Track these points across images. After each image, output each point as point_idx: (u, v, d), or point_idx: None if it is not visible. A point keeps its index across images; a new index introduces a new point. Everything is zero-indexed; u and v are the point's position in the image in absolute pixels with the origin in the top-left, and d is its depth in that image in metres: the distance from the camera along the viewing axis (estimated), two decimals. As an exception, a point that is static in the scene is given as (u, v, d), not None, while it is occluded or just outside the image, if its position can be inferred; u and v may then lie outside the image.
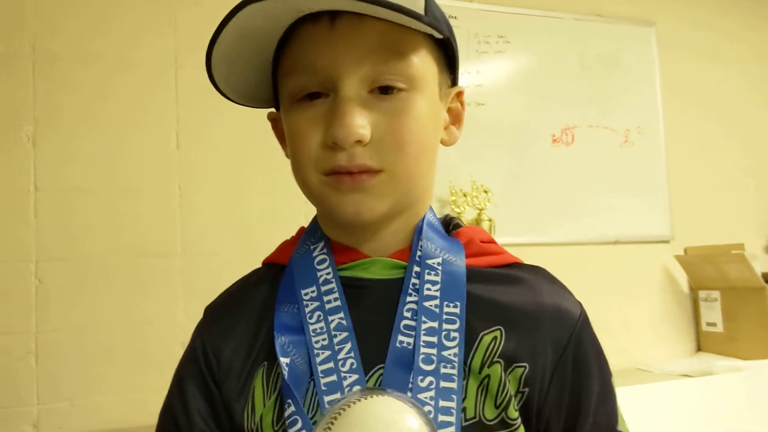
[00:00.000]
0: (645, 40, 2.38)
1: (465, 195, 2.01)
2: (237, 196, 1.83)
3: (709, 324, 2.29)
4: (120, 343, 1.68)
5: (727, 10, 2.55)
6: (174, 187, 1.78)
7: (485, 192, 2.02)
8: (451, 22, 2.31)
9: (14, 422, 1.58)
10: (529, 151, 2.19)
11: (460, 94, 0.66)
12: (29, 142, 1.67)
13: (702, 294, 2.31)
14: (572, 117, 2.25)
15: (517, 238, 2.10)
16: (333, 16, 0.56)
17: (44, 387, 1.61)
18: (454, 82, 0.66)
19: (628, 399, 1.82)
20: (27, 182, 1.65)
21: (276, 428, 0.57)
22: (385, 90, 0.57)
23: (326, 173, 0.58)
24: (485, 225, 2.01)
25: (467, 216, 2.02)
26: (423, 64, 0.59)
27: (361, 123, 0.55)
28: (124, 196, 1.73)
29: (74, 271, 1.67)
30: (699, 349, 2.33)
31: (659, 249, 2.33)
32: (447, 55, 0.63)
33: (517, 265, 0.66)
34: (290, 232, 0.72)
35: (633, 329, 2.24)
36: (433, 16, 0.57)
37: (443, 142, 0.65)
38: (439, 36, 0.57)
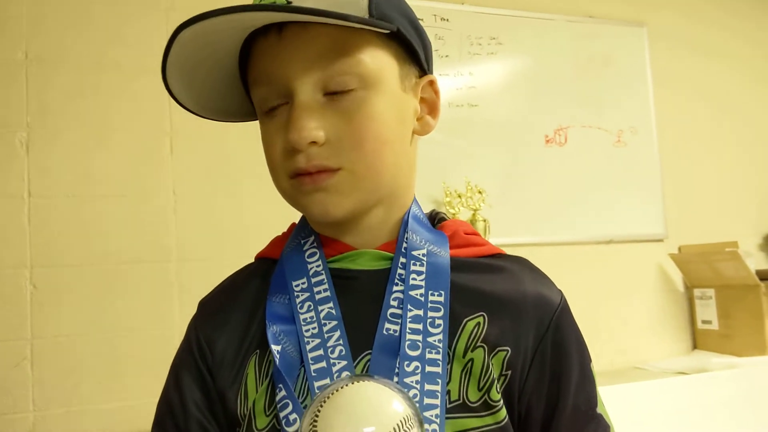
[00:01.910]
0: (636, 40, 2.40)
1: (460, 196, 2.02)
2: (231, 201, 1.83)
3: (704, 322, 2.30)
4: (116, 348, 1.68)
5: (717, 9, 2.57)
6: (168, 193, 1.78)
7: (480, 193, 2.03)
8: (443, 24, 2.29)
9: (10, 429, 1.58)
10: (522, 152, 2.20)
11: (432, 83, 0.67)
12: (22, 148, 1.66)
13: (697, 292, 2.33)
14: (565, 117, 2.26)
15: (512, 238, 2.10)
16: (280, 27, 0.58)
17: (40, 394, 1.61)
18: (424, 73, 0.67)
19: (624, 397, 1.83)
20: (21, 188, 1.65)
21: (268, 412, 0.59)
22: (337, 91, 0.59)
23: (291, 176, 0.60)
24: (480, 225, 2.02)
25: (462, 217, 2.02)
26: (375, 60, 0.60)
27: (313, 125, 0.57)
28: (118, 202, 1.73)
29: (69, 277, 1.67)
30: (695, 346, 2.34)
31: (653, 248, 2.34)
32: (408, 47, 0.64)
33: (500, 256, 0.68)
34: (285, 236, 0.72)
35: (629, 328, 2.25)
36: (380, 13, 0.59)
37: (417, 133, 0.66)
38: (384, 32, 0.59)
